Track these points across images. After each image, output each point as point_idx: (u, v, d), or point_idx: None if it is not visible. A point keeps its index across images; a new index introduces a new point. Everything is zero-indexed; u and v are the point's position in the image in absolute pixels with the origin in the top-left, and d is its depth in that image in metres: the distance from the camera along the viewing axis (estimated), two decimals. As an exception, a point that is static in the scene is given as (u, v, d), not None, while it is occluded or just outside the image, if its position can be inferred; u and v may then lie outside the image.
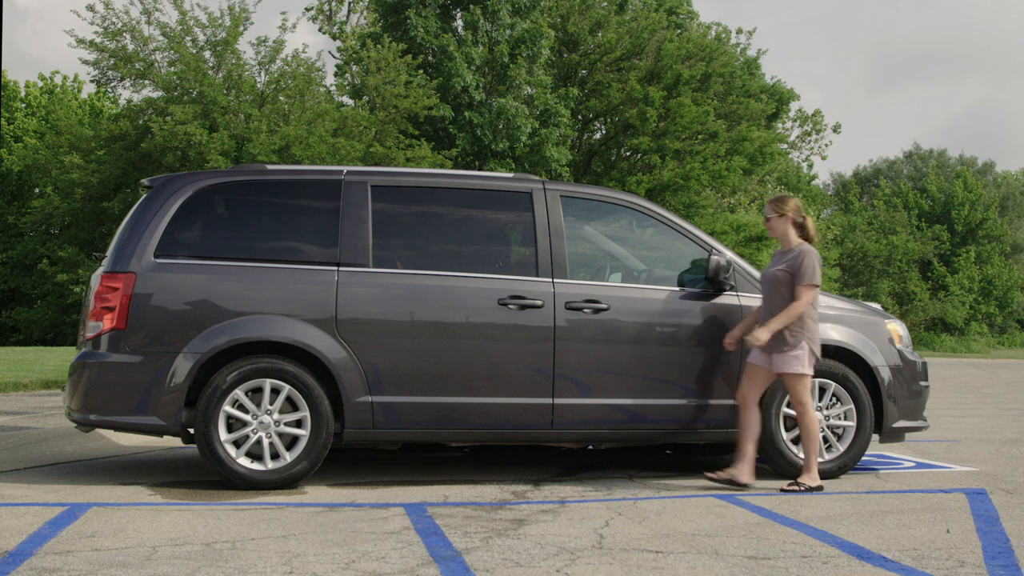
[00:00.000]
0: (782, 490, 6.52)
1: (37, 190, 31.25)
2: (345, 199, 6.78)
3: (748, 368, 6.74)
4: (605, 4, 33.60)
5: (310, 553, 4.73)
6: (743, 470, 6.62)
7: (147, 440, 8.77)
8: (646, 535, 5.21)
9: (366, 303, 6.60)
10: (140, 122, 22.57)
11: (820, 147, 49.06)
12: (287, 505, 5.95)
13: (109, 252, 6.68)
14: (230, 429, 6.42)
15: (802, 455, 7.07)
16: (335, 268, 6.63)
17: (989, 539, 5.18)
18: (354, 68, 28.70)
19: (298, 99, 23.17)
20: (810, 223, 6.84)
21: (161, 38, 22.61)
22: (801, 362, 6.57)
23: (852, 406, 7.13)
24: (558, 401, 6.74)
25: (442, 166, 23.88)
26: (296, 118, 22.43)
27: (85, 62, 22.55)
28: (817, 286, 6.62)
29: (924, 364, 7.61)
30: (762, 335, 6.51)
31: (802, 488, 6.51)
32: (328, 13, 37.93)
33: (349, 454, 8.08)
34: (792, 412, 7.05)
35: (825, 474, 7.07)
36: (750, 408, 6.68)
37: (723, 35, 39.61)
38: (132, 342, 6.39)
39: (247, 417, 6.41)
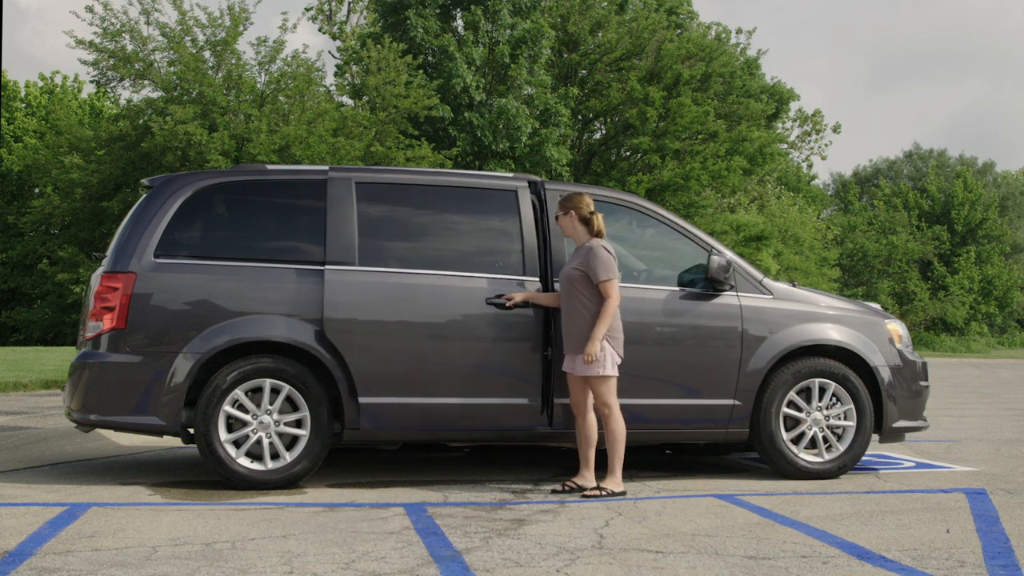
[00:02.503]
0: (584, 496, 6.26)
1: (37, 190, 31.21)
2: (337, 198, 6.74)
3: (568, 378, 6.54)
4: (605, 4, 33.59)
5: (310, 553, 4.73)
6: (588, 477, 6.48)
7: (147, 440, 8.77)
8: (646, 535, 5.21)
9: (352, 302, 6.52)
10: (140, 122, 22.54)
11: (820, 147, 49.08)
12: (287, 505, 5.95)
13: (109, 252, 6.68)
14: (230, 429, 6.42)
15: (802, 455, 7.08)
16: (322, 267, 6.59)
17: (989, 539, 5.19)
18: (354, 68, 28.69)
19: (298, 99, 23.13)
20: (597, 218, 6.55)
21: (160, 38, 22.58)
22: (603, 364, 6.32)
23: (852, 406, 7.12)
24: (557, 401, 6.74)
25: (442, 166, 23.86)
26: (296, 118, 22.39)
27: (84, 62, 22.52)
28: (615, 279, 6.38)
29: (924, 364, 7.60)
30: (592, 348, 6.26)
31: (604, 493, 6.28)
32: (328, 13, 37.91)
33: (349, 454, 8.08)
34: (792, 412, 7.06)
35: (825, 474, 7.08)
36: (585, 416, 6.49)
37: (723, 35, 39.58)
38: (132, 342, 6.39)
39: (247, 417, 6.41)
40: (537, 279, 6.82)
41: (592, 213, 6.57)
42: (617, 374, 6.42)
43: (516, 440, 6.99)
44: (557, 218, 6.70)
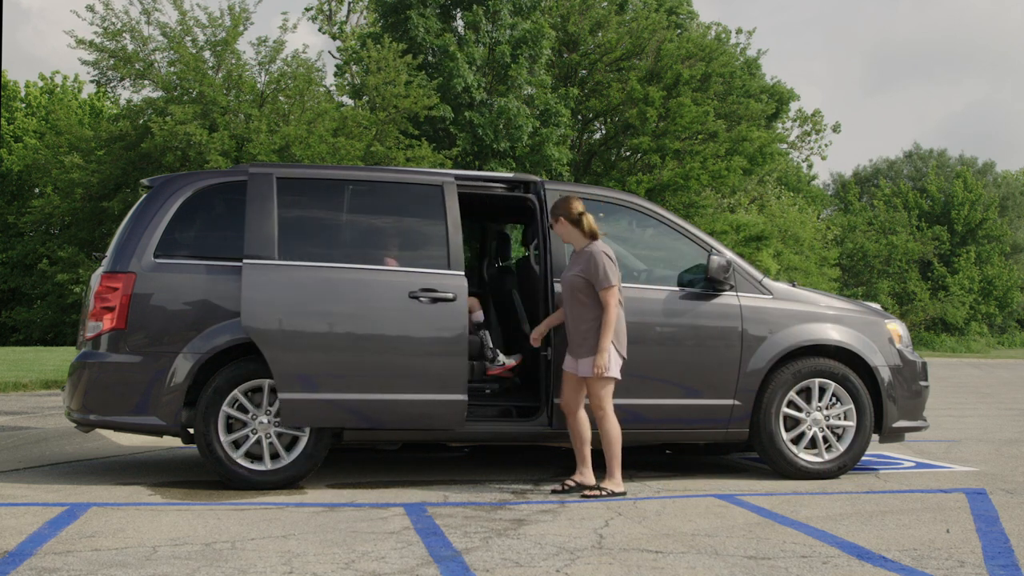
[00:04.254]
0: (584, 496, 6.25)
1: (37, 190, 31.20)
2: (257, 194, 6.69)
3: (564, 376, 6.54)
4: (605, 4, 33.57)
5: (310, 553, 4.73)
6: (587, 474, 6.47)
7: (147, 440, 8.77)
8: (646, 535, 5.21)
9: (269, 297, 6.33)
10: (140, 122, 22.55)
11: (820, 147, 49.07)
12: (287, 505, 5.95)
13: (109, 252, 6.68)
14: (230, 429, 6.42)
15: (802, 455, 7.09)
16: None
17: (989, 539, 5.19)
18: (354, 68, 28.70)
19: (298, 99, 23.14)
20: (587, 219, 6.47)
21: (161, 38, 22.59)
22: (607, 365, 6.29)
23: (852, 406, 7.13)
24: (557, 402, 6.73)
25: (442, 166, 23.88)
26: (296, 118, 22.39)
27: (85, 62, 22.53)
28: (615, 286, 6.34)
29: (924, 364, 7.61)
30: (601, 360, 6.24)
31: (604, 493, 6.27)
32: (328, 13, 37.90)
33: (349, 454, 8.08)
34: (792, 412, 7.06)
35: (825, 474, 7.08)
36: (575, 414, 6.48)
37: (723, 35, 39.58)
38: (132, 342, 6.39)
39: (246, 417, 6.41)
40: (462, 273, 6.64)
41: (581, 214, 6.51)
42: (619, 376, 6.41)
43: (440, 439, 6.94)
44: (551, 227, 6.71)
